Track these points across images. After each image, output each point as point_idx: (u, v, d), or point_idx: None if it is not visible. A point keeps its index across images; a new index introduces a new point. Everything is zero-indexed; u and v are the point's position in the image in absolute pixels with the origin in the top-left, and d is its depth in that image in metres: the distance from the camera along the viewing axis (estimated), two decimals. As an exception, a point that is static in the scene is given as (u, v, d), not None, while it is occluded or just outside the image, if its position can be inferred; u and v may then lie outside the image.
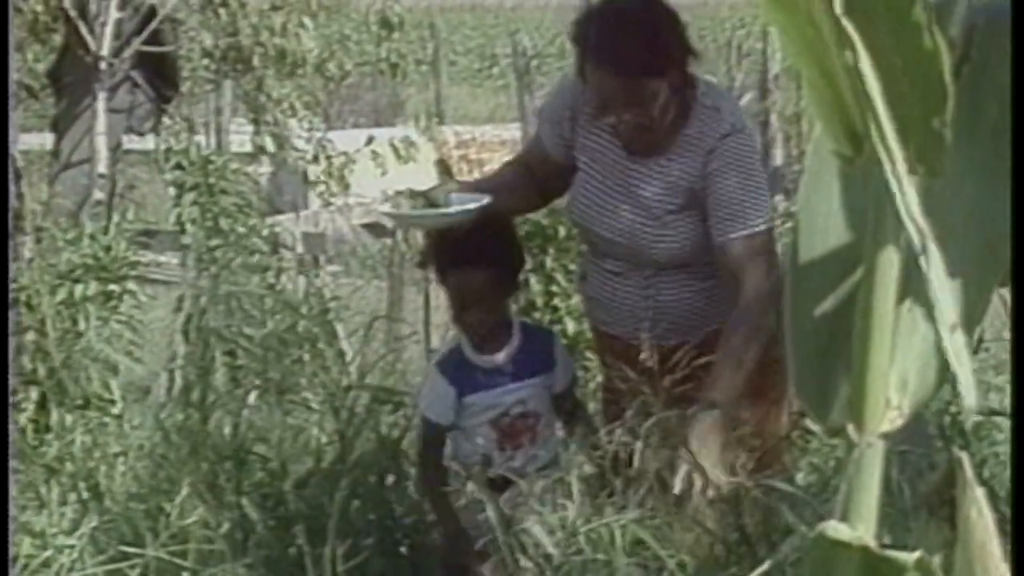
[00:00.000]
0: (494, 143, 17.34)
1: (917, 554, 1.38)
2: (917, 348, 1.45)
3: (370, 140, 11.82)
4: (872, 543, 1.39)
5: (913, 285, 1.43)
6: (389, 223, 4.64)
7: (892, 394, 1.42)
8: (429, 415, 4.20)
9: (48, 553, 4.29)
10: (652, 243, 4.18)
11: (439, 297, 7.30)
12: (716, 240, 4.08)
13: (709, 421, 3.84)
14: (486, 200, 4.12)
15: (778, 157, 18.03)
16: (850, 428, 1.43)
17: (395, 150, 11.71)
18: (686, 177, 4.13)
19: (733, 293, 4.07)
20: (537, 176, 4.41)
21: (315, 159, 11.03)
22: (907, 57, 1.24)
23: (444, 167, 17.09)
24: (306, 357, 5.56)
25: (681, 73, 4.08)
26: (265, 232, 8.11)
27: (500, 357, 4.16)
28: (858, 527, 1.41)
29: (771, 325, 4.04)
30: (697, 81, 4.17)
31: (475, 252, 4.08)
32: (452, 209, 4.13)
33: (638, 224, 4.19)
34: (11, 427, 5.41)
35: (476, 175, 17.20)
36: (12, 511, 4.36)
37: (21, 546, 4.33)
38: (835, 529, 1.39)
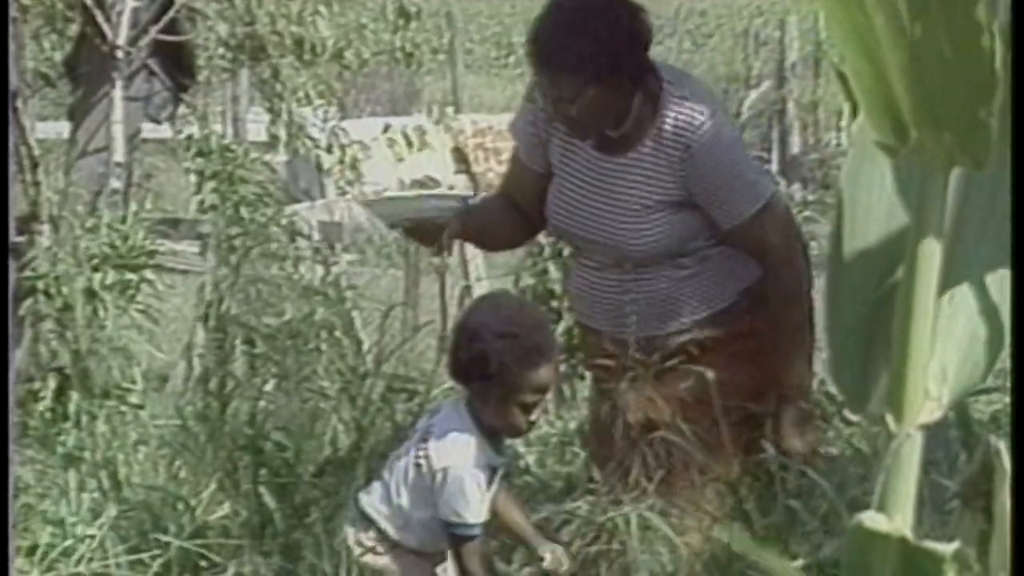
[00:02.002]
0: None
1: (955, 545, 1.36)
2: (957, 339, 1.44)
3: (386, 129, 11.82)
4: (909, 534, 1.38)
5: (954, 276, 1.42)
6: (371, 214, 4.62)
7: (931, 385, 1.40)
8: (472, 519, 3.88)
9: (68, 542, 4.29)
10: (630, 240, 4.16)
11: (455, 286, 7.29)
12: (727, 225, 4.09)
13: (795, 414, 3.90)
14: (460, 200, 4.16)
15: (795, 145, 18.00)
16: (888, 419, 1.42)
17: (407, 139, 11.71)
18: (661, 170, 4.12)
19: (717, 280, 4.10)
20: (521, 207, 4.39)
21: (329, 148, 11.03)
22: (959, 47, 1.23)
23: (460, 155, 17.16)
24: (323, 345, 5.55)
25: (633, 66, 4.04)
26: (283, 221, 8.11)
27: (502, 458, 4.02)
28: (895, 518, 1.40)
29: (809, 285, 4.09)
30: (661, 71, 4.14)
31: (551, 346, 3.98)
32: (426, 204, 4.16)
33: (615, 221, 4.18)
34: (30, 417, 5.41)
35: (492, 163, 17.19)
36: (12, 507, 4.36)
37: (41, 535, 4.34)
38: (873, 520, 1.38)
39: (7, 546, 3.73)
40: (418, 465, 3.87)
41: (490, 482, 3.87)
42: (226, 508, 4.31)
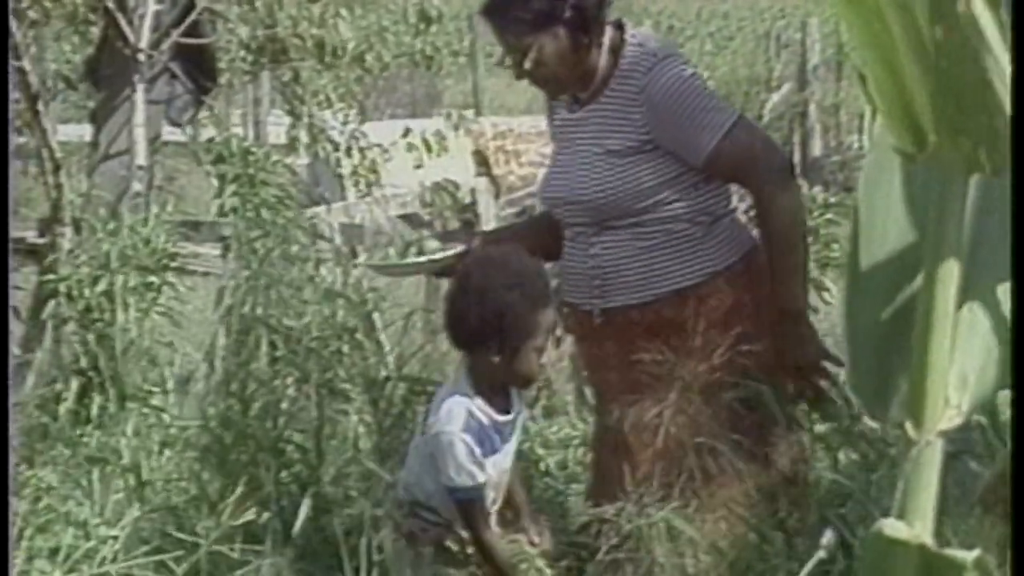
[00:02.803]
0: (531, 134, 17.32)
1: (976, 552, 1.36)
2: (977, 347, 1.43)
3: (407, 132, 11.82)
4: (930, 541, 1.38)
5: (974, 284, 1.42)
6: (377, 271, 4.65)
7: (951, 393, 1.40)
8: (463, 482, 3.93)
9: (91, 543, 4.31)
10: (589, 190, 4.16)
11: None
12: (697, 160, 4.10)
13: (796, 334, 3.90)
14: (460, 248, 4.14)
15: (816, 148, 17.97)
16: (908, 426, 1.42)
17: (426, 144, 11.72)
18: (618, 116, 4.14)
19: (682, 256, 4.08)
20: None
21: (348, 151, 11.04)
22: (976, 54, 1.23)
23: (481, 158, 17.16)
24: (344, 348, 5.56)
25: (585, 20, 4.09)
26: (304, 223, 8.11)
27: (510, 415, 4.03)
28: (915, 525, 1.40)
29: (799, 203, 4.06)
30: (624, 24, 4.20)
31: (549, 285, 4.02)
32: (423, 258, 4.16)
33: (576, 174, 4.20)
34: (53, 419, 5.43)
35: (513, 165, 17.20)
36: (15, 504, 4.38)
37: (63, 536, 4.35)
38: (893, 527, 1.38)
39: (7, 546, 3.74)
40: (423, 435, 3.98)
41: (505, 439, 3.94)
42: (252, 512, 4.32)
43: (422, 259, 4.18)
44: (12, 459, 4.32)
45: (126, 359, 5.65)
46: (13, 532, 4.06)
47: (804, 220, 4.17)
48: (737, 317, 4.09)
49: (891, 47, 1.27)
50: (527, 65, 4.13)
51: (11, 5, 6.56)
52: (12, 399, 5.75)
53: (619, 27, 4.19)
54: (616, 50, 4.15)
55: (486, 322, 3.85)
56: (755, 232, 4.32)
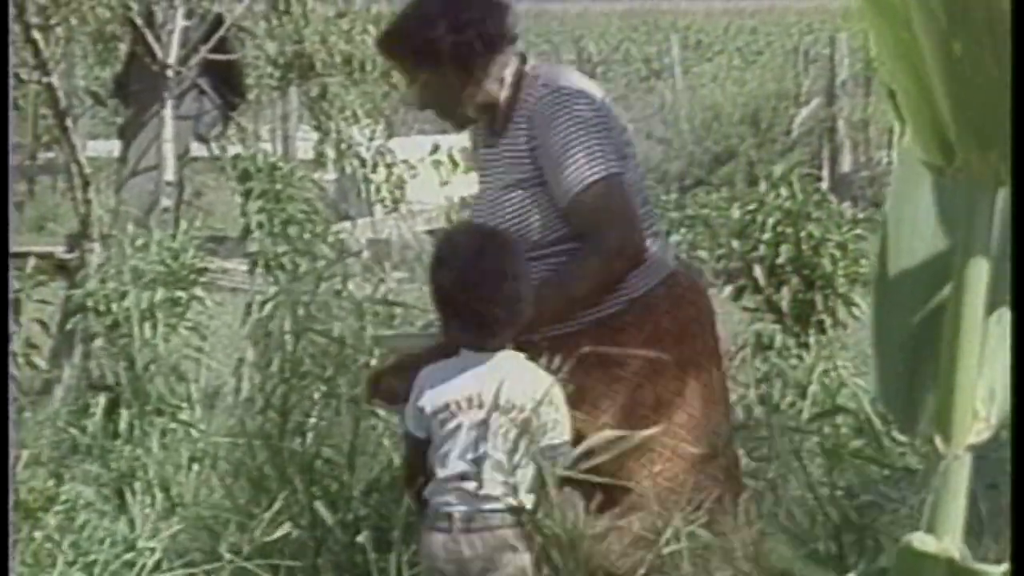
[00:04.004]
0: (558, 149, 17.30)
1: (1004, 567, 1.35)
2: (1005, 360, 1.43)
3: (435, 149, 11.84)
4: (958, 555, 1.37)
5: (1002, 297, 1.41)
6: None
7: (980, 406, 1.40)
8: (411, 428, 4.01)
9: (126, 558, 4.32)
10: (499, 223, 4.13)
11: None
12: (561, 203, 4.06)
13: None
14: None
15: (846, 164, 17.93)
16: (937, 440, 1.41)
17: (452, 160, 11.74)
18: (521, 147, 4.12)
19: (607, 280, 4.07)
20: None
21: (375, 167, 11.06)
22: (1003, 68, 1.22)
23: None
24: (373, 362, 5.56)
25: (475, 54, 4.09)
26: (331, 239, 8.13)
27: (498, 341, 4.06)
28: (944, 539, 1.39)
29: (603, 279, 4.02)
30: (527, 59, 4.18)
31: None
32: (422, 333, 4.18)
33: (488, 207, 4.20)
34: (82, 434, 5.44)
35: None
36: (11, 507, 4.39)
37: (99, 552, 4.36)
38: (921, 541, 1.37)
39: (7, 546, 3.75)
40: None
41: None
42: (286, 527, 4.32)
43: (419, 334, 4.19)
44: (12, 460, 4.33)
45: (154, 374, 5.67)
46: (12, 533, 4.06)
47: (599, 288, 4.08)
48: (659, 342, 4.08)
49: (919, 59, 1.27)
50: (418, 95, 4.21)
51: (31, 17, 6.61)
52: (41, 415, 5.77)
53: (523, 60, 4.19)
54: (518, 83, 4.15)
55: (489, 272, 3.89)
56: (671, 256, 4.33)
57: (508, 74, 4.14)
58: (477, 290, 3.83)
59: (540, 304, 3.95)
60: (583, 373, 4.00)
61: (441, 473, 3.84)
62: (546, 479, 3.84)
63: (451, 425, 3.83)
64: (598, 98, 4.14)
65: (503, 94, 4.14)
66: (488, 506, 3.85)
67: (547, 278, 4.04)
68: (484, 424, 3.84)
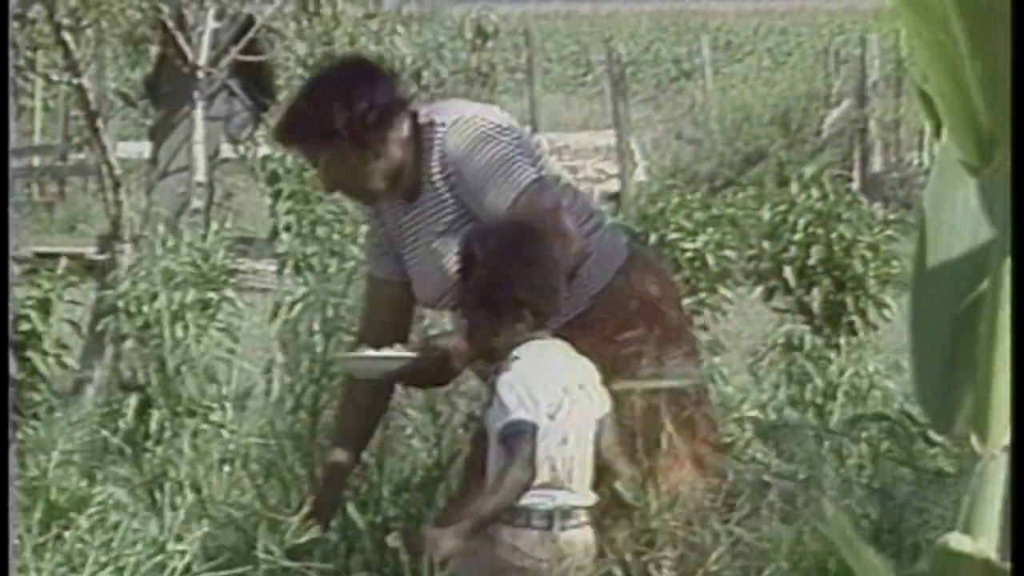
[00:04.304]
0: (588, 150, 17.32)
1: (1042, 568, 1.34)
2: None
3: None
4: (994, 556, 1.36)
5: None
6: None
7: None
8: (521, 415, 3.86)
9: (157, 559, 4.32)
10: (444, 276, 4.17)
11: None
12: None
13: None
14: (413, 355, 4.09)
15: (876, 164, 17.88)
16: (973, 440, 1.40)
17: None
18: (440, 194, 4.16)
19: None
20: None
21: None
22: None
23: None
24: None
25: (367, 128, 4.11)
26: (360, 239, 8.13)
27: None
28: (980, 539, 1.38)
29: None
30: (423, 113, 4.19)
31: None
32: (382, 353, 4.14)
33: (427, 268, 4.21)
34: (113, 435, 5.45)
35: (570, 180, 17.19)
36: (11, 507, 4.39)
37: (131, 554, 4.36)
38: (958, 541, 1.36)
39: (7, 546, 3.76)
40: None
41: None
42: (316, 531, 4.32)
43: (379, 354, 4.15)
44: (11, 459, 4.33)
45: (184, 375, 5.68)
46: (12, 534, 4.07)
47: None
48: (632, 327, 4.13)
49: (956, 60, 1.26)
50: (324, 180, 4.24)
51: (62, 19, 6.63)
52: (73, 416, 5.78)
53: (413, 115, 4.19)
54: (417, 138, 4.16)
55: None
56: (622, 242, 4.35)
57: (405, 135, 4.16)
58: (526, 280, 3.84)
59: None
60: None
61: (545, 467, 3.82)
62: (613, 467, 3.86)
63: (561, 415, 3.81)
64: (494, 115, 4.19)
65: (407, 155, 4.16)
66: (579, 502, 3.85)
67: None
68: (574, 413, 3.84)
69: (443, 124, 4.12)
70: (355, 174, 4.16)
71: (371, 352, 4.14)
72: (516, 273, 3.86)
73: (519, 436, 3.76)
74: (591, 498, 3.88)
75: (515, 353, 3.84)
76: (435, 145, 4.12)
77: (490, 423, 3.88)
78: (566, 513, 3.84)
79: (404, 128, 4.16)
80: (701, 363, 4.41)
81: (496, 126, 4.11)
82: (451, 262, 4.12)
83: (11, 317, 5.19)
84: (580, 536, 3.86)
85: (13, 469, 5.01)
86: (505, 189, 4.04)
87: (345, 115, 4.10)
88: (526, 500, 3.80)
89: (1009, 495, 1.41)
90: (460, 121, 4.13)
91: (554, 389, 3.81)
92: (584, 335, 4.08)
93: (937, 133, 1.46)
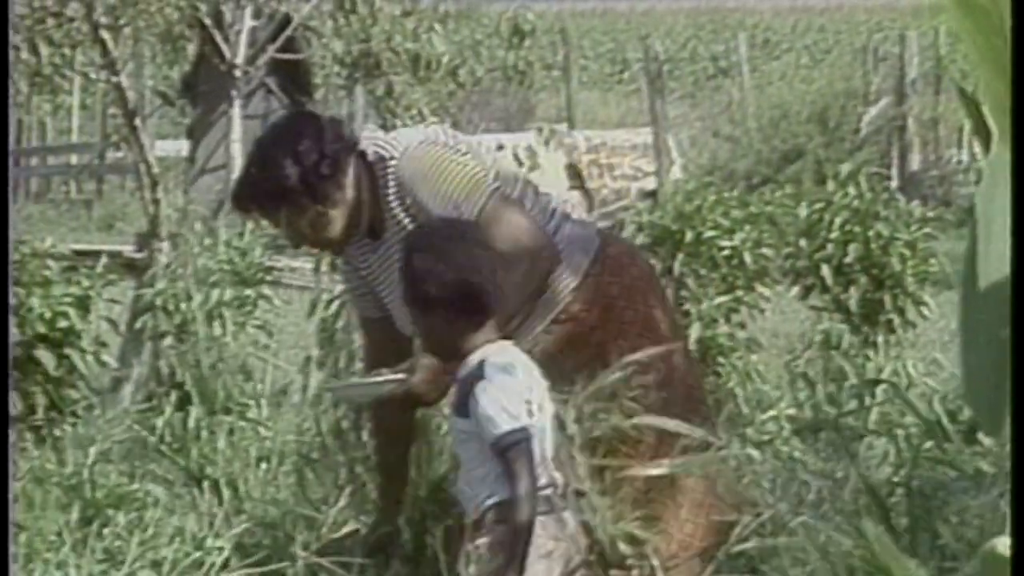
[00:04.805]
0: (624, 148, 17.30)
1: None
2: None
3: (500, 148, 11.85)
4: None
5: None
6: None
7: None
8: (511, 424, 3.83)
9: (195, 556, 4.33)
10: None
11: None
12: None
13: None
14: (401, 376, 4.09)
15: (915, 162, 17.81)
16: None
17: (517, 159, 11.75)
18: (398, 228, 4.16)
19: None
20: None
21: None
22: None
23: (574, 172, 17.11)
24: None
25: (312, 183, 4.12)
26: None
27: None
28: (1027, 543, 1.36)
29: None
30: (370, 148, 4.18)
31: None
32: (372, 379, 4.14)
33: (398, 294, 4.20)
34: (151, 433, 5.47)
35: (606, 179, 17.18)
36: (11, 506, 4.39)
37: (167, 549, 4.37)
38: (1005, 546, 1.34)
39: (7, 546, 3.76)
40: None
41: None
42: (352, 525, 4.33)
43: (370, 380, 4.16)
44: (11, 459, 4.34)
45: (222, 372, 5.69)
46: (12, 534, 4.07)
47: (532, 293, 4.10)
48: (614, 310, 4.19)
49: (1010, 63, 1.24)
50: (289, 235, 4.25)
51: (100, 18, 6.65)
52: (109, 412, 5.80)
53: (360, 155, 4.19)
54: (370, 176, 4.17)
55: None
56: (593, 231, 4.34)
57: (358, 176, 4.17)
58: (463, 277, 3.85)
59: None
60: (556, 366, 4.05)
61: (541, 455, 3.84)
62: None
63: (536, 407, 3.82)
64: (440, 136, 4.20)
65: (363, 195, 4.18)
66: (558, 486, 3.88)
67: None
68: (542, 407, 3.86)
69: (393, 157, 4.14)
70: (316, 226, 4.19)
71: (358, 379, 4.17)
72: (452, 271, 3.84)
73: (515, 447, 3.77)
74: (561, 480, 3.91)
75: (480, 356, 3.85)
76: (390, 179, 4.14)
77: (459, 428, 3.91)
78: (561, 496, 3.88)
79: (355, 170, 4.18)
80: (686, 336, 4.39)
81: (445, 147, 4.14)
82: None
83: (10, 317, 5.20)
84: (570, 515, 3.91)
85: (52, 465, 5.04)
86: (467, 207, 4.07)
87: (297, 171, 4.13)
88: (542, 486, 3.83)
89: (1009, 494, 1.39)
90: (409, 151, 4.15)
91: (527, 386, 3.83)
92: (571, 328, 4.15)
93: (976, 131, 1.44)
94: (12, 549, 4.12)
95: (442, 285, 3.83)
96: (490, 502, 3.83)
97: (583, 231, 4.29)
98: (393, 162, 4.14)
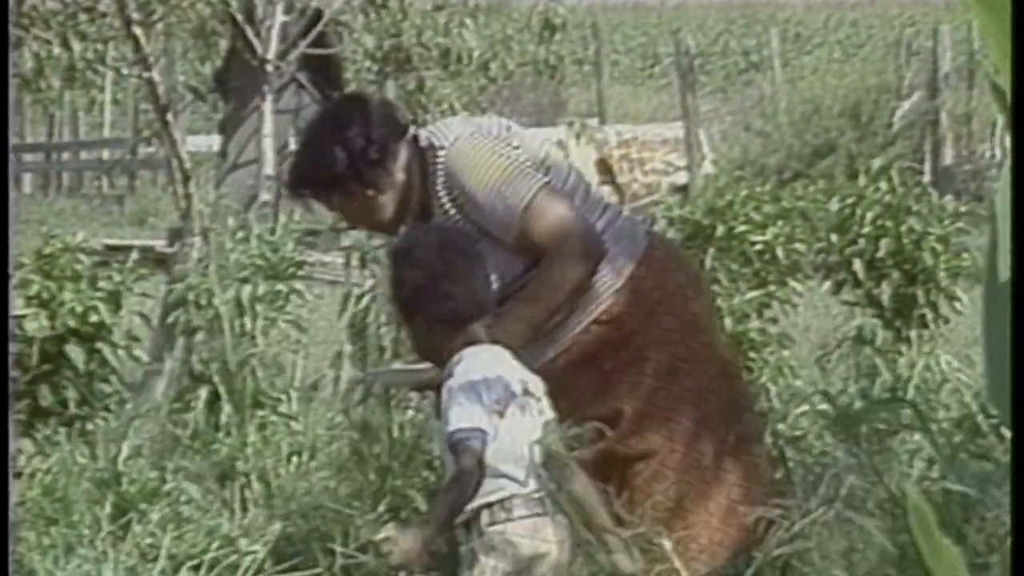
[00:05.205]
0: (655, 142, 17.28)
1: None
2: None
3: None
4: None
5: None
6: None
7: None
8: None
9: (233, 558, 4.34)
10: None
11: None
12: (508, 241, 4.08)
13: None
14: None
15: (948, 157, 17.74)
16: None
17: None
18: (439, 215, 4.16)
19: None
20: None
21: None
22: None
23: (605, 166, 17.12)
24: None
25: (364, 169, 4.14)
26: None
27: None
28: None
29: (579, 276, 4.03)
30: (423, 137, 4.20)
31: None
32: (410, 366, 4.16)
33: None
34: (183, 428, 5.48)
35: (637, 173, 17.14)
36: (11, 505, 4.40)
37: (202, 548, 4.38)
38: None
39: (7, 546, 3.77)
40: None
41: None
42: (390, 527, 4.33)
43: (408, 368, 4.20)
44: (11, 459, 4.35)
45: (254, 367, 5.69)
46: (11, 535, 4.08)
47: (572, 291, 4.08)
48: (656, 315, 4.14)
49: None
50: (346, 218, 4.32)
51: (132, 13, 6.66)
52: (142, 407, 5.81)
53: (414, 140, 4.21)
54: (421, 162, 4.18)
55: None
56: (641, 232, 4.29)
57: (409, 162, 4.18)
58: (448, 284, 3.86)
59: (519, 322, 4.04)
60: (595, 368, 4.09)
61: (522, 460, 3.83)
62: (567, 463, 3.88)
63: (510, 411, 3.82)
64: (493, 127, 4.20)
65: (413, 182, 4.19)
66: (546, 491, 3.87)
67: (520, 297, 4.09)
68: (526, 411, 3.86)
69: (443, 147, 4.14)
70: (367, 210, 4.22)
71: (399, 365, 4.19)
72: (429, 278, 3.88)
73: (465, 443, 3.76)
74: (547, 486, 3.89)
75: (455, 358, 3.86)
76: (438, 168, 4.14)
77: (437, 430, 3.93)
78: (549, 500, 3.87)
79: (406, 155, 4.19)
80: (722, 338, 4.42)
81: (495, 139, 4.13)
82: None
83: (10, 317, 5.22)
84: (560, 520, 3.89)
85: (85, 459, 5.05)
86: (513, 202, 4.06)
87: (345, 157, 4.15)
88: (504, 493, 3.81)
89: (1010, 494, 1.38)
90: (459, 141, 4.14)
91: (498, 388, 3.82)
92: (611, 330, 4.12)
93: (1010, 126, 1.43)
94: (11, 548, 4.13)
95: (417, 290, 3.88)
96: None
97: (632, 230, 4.25)
98: (442, 151, 4.14)
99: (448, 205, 4.14)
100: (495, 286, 4.07)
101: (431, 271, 3.88)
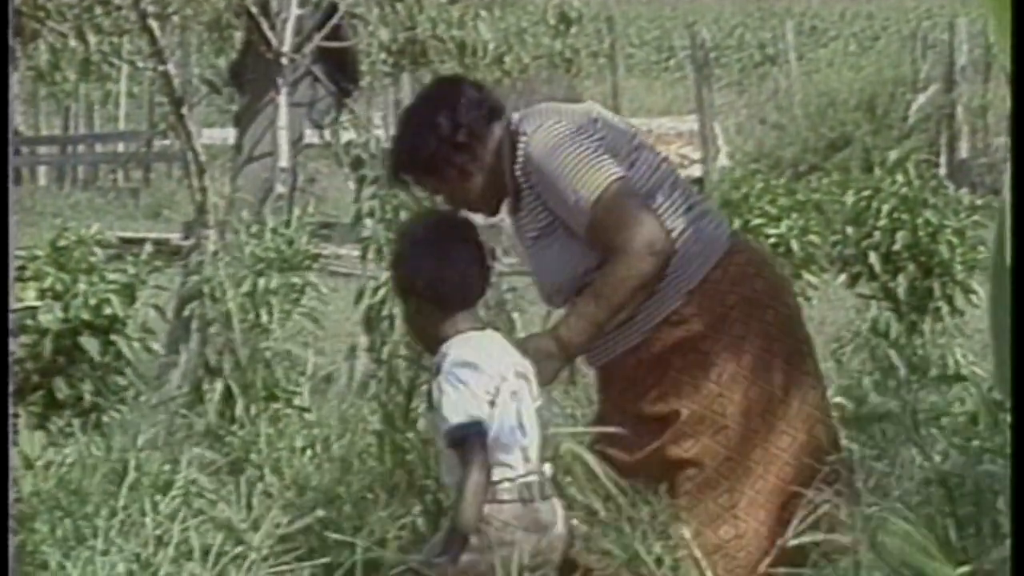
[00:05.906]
0: (670, 135, 17.26)
1: None
2: None
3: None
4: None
5: None
6: None
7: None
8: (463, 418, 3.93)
9: (240, 548, 4.34)
10: (541, 280, 4.22)
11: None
12: (580, 230, 4.07)
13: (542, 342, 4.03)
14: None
15: (963, 150, 17.71)
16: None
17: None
18: (528, 202, 4.17)
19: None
20: None
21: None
22: None
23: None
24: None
25: (462, 140, 4.16)
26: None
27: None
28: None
29: (645, 276, 4.01)
30: (513, 120, 4.21)
31: None
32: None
33: (535, 270, 4.26)
34: (199, 420, 5.49)
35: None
36: (10, 504, 4.41)
37: (213, 539, 4.38)
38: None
39: (7, 546, 3.77)
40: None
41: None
42: (402, 523, 4.33)
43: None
44: (11, 459, 4.36)
45: (268, 360, 5.70)
46: (11, 533, 4.08)
47: (636, 289, 4.04)
48: (728, 321, 4.09)
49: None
50: (449, 201, 4.30)
51: (148, 7, 6.68)
52: (155, 398, 5.83)
53: (507, 124, 4.21)
54: (511, 146, 4.18)
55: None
56: (724, 233, 4.23)
57: (499, 146, 4.20)
58: (440, 272, 3.92)
59: (582, 318, 4.04)
60: (660, 367, 4.07)
61: (513, 446, 3.85)
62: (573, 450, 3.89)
63: (501, 399, 3.84)
64: (576, 114, 4.20)
65: (502, 166, 4.20)
66: (540, 477, 3.88)
67: (585, 292, 4.08)
68: (519, 396, 3.89)
69: (525, 133, 4.15)
70: (460, 192, 4.24)
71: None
72: (424, 263, 3.95)
73: (467, 440, 3.80)
74: (548, 470, 3.93)
75: (444, 348, 3.88)
76: (519, 154, 4.15)
77: (429, 418, 3.96)
78: (539, 486, 3.88)
79: (497, 139, 4.21)
80: (813, 359, 4.32)
81: (577, 128, 4.12)
82: (543, 267, 4.19)
83: (10, 317, 5.23)
84: (550, 506, 3.89)
85: (99, 451, 5.06)
86: (585, 192, 4.04)
87: (434, 141, 4.18)
88: (493, 478, 3.83)
89: (1010, 495, 1.38)
90: (541, 129, 4.15)
91: (490, 375, 3.83)
92: (680, 332, 4.08)
93: (1010, 129, 1.43)
94: (12, 549, 4.13)
95: (412, 274, 3.96)
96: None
97: (715, 232, 4.19)
98: (524, 137, 4.15)
99: (527, 191, 4.16)
100: (569, 277, 4.10)
101: (426, 253, 3.96)
